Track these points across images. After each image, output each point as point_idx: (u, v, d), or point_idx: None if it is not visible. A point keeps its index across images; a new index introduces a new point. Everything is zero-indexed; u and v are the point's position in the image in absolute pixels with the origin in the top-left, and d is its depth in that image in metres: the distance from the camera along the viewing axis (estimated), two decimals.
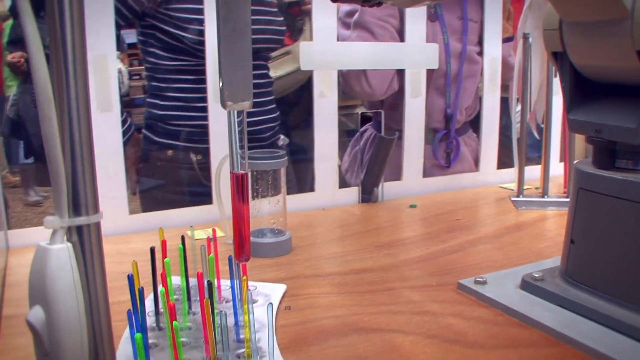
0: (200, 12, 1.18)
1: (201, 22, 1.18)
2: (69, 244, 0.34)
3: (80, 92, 0.34)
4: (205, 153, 1.27)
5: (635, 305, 0.65)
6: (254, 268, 0.92)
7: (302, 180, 1.69)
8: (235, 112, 0.60)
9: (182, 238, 0.74)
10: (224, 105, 0.60)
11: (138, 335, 0.46)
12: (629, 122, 0.65)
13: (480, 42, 1.51)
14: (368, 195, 1.36)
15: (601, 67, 0.68)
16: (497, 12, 1.49)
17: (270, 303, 0.56)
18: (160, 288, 0.63)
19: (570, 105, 0.71)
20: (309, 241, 1.06)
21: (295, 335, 0.70)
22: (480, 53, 1.51)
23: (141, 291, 0.56)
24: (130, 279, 0.59)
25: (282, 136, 1.62)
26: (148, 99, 1.48)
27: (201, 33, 1.18)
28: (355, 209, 1.33)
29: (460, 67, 1.50)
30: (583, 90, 0.70)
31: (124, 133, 1.40)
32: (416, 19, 1.39)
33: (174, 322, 0.51)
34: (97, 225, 0.35)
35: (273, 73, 1.66)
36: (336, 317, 0.75)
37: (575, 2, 0.64)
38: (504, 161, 1.59)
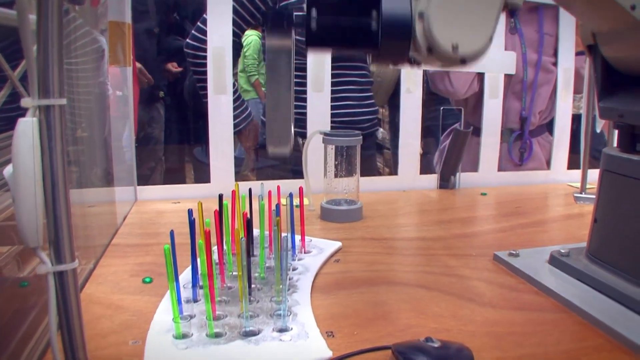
0: None
1: None
2: (35, 119, 0.36)
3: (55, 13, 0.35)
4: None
5: None
6: (323, 230, 0.90)
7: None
8: None
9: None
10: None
11: (166, 247, 0.46)
12: None
13: (555, 54, 1.38)
14: (445, 182, 1.29)
15: (628, 59, 0.58)
16: (571, 27, 1.36)
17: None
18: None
19: (601, 94, 0.62)
20: (380, 213, 1.02)
21: (333, 280, 0.66)
22: (555, 64, 1.38)
23: (193, 220, 0.57)
24: (190, 212, 0.59)
25: (380, 129, 1.57)
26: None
27: None
28: (432, 193, 1.26)
29: (535, 75, 1.38)
30: (612, 81, 0.61)
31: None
32: (497, 31, 1.30)
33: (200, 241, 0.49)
34: (61, 107, 0.36)
35: None
36: (374, 271, 0.71)
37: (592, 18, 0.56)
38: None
